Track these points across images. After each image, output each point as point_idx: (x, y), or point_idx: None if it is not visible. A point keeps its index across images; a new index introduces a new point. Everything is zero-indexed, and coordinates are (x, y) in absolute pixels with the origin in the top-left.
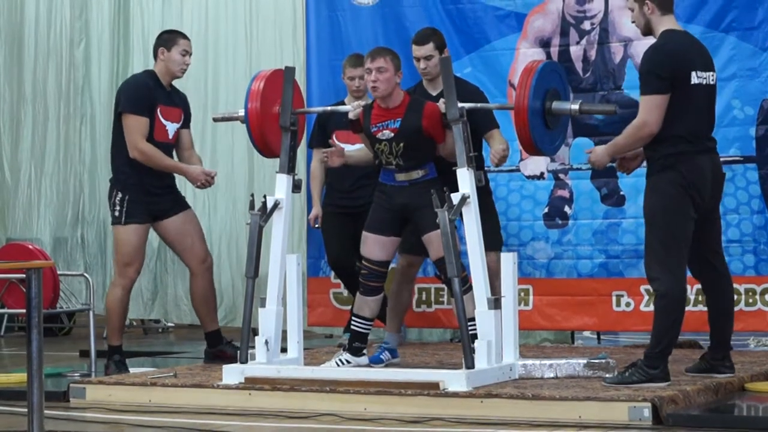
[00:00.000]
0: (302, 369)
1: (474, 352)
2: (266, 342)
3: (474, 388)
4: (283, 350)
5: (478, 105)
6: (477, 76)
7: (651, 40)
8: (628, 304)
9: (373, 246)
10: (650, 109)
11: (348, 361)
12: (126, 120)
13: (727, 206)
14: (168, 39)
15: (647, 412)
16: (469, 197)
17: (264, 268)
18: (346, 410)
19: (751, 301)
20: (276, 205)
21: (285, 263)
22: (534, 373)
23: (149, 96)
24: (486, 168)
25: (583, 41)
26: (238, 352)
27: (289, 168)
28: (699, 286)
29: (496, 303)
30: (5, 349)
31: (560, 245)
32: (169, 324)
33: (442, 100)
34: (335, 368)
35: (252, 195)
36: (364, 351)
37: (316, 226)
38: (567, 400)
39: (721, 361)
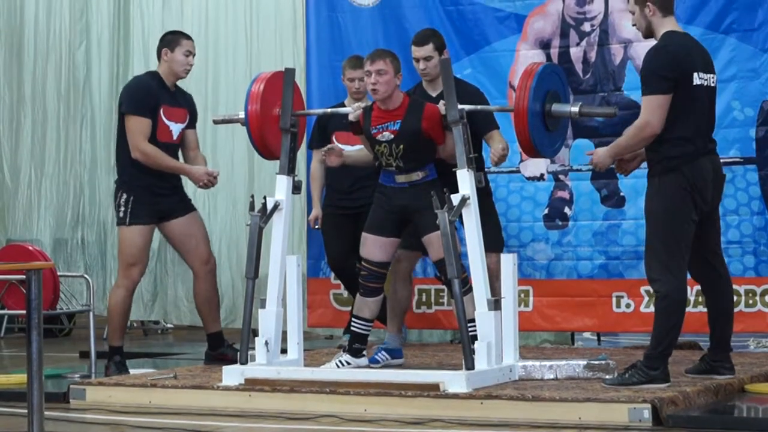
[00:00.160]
0: (302, 370)
1: (474, 354)
2: (266, 343)
3: (474, 390)
4: (283, 351)
5: (479, 107)
6: (477, 77)
7: (652, 42)
8: (628, 306)
9: (373, 247)
10: (653, 110)
11: (348, 363)
12: (128, 121)
13: (727, 207)
14: (171, 40)
15: (647, 414)
16: (469, 198)
17: (264, 269)
18: (346, 411)
19: (751, 302)
20: (276, 207)
21: (285, 264)
22: (534, 375)
23: (151, 97)
24: (486, 169)
25: (583, 43)
26: (238, 353)
27: (289, 169)
28: (699, 287)
29: (496, 304)
30: (5, 350)
31: (560, 246)
32: (169, 325)
33: (442, 102)
34: (335, 369)
35: (252, 196)
36: (364, 352)
37: (316, 227)
38: (567, 402)
39: (721, 362)
